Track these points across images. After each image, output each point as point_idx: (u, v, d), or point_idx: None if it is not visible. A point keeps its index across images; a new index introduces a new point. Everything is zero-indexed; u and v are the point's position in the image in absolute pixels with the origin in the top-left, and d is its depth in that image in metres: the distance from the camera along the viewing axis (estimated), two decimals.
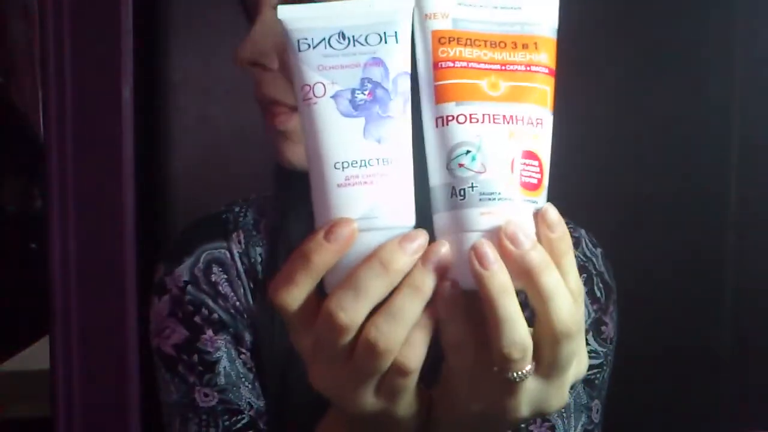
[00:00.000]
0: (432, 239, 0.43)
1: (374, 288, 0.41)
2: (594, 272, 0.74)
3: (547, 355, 0.43)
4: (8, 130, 1.36)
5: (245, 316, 0.71)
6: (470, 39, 0.44)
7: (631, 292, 0.87)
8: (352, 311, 0.41)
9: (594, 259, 0.76)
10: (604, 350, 0.74)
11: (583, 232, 0.77)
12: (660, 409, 1.29)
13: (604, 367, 0.74)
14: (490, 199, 0.42)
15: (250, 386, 0.69)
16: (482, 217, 0.41)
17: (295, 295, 0.42)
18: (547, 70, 0.44)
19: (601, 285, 0.75)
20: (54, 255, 1.02)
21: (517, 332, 0.41)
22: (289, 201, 0.70)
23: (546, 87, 0.44)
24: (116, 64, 0.97)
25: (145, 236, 1.05)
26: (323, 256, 0.41)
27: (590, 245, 0.77)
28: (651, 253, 1.28)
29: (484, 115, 0.42)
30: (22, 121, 1.36)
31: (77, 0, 0.97)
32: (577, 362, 0.45)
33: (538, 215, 0.42)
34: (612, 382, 0.77)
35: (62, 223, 1.01)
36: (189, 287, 0.70)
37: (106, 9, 0.97)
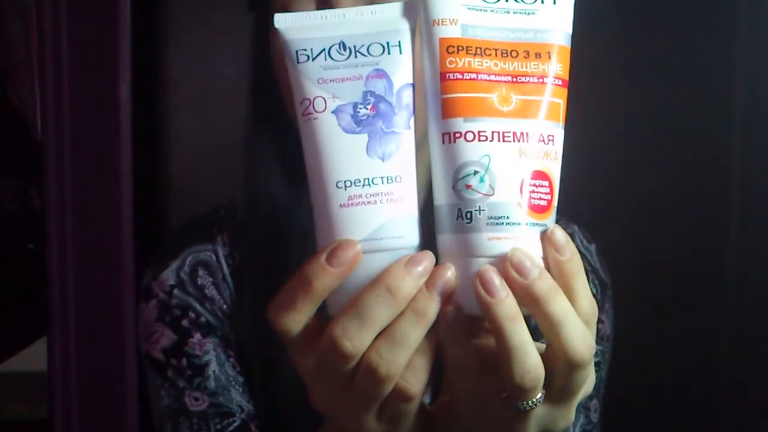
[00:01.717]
0: (435, 257, 0.42)
1: (380, 315, 0.40)
2: (588, 269, 0.73)
3: (559, 383, 0.42)
4: (5, 129, 1.36)
5: (232, 318, 0.70)
6: (480, 48, 0.42)
7: (629, 289, 0.86)
8: (356, 339, 0.40)
9: (588, 256, 0.75)
10: (601, 348, 0.74)
11: (576, 227, 0.76)
12: (659, 409, 1.29)
13: (602, 366, 0.73)
14: (498, 224, 0.40)
15: (240, 389, 0.68)
16: (489, 243, 0.40)
17: (296, 319, 0.41)
18: (560, 82, 0.42)
19: (596, 282, 0.75)
20: (51, 256, 1.01)
21: (529, 361, 0.40)
22: (257, 206, 0.69)
23: (559, 100, 0.42)
24: (114, 64, 0.96)
25: (143, 237, 1.05)
26: (325, 280, 0.40)
27: (584, 241, 0.77)
28: (650, 250, 1.28)
29: (493, 132, 0.41)
30: (20, 121, 1.36)
31: None
32: (587, 382, 0.44)
33: (545, 237, 0.41)
34: (610, 381, 0.76)
35: (60, 223, 1.00)
36: (175, 291, 0.70)
37: (104, 8, 0.96)
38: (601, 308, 0.73)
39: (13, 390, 1.36)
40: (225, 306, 0.70)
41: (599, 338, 0.73)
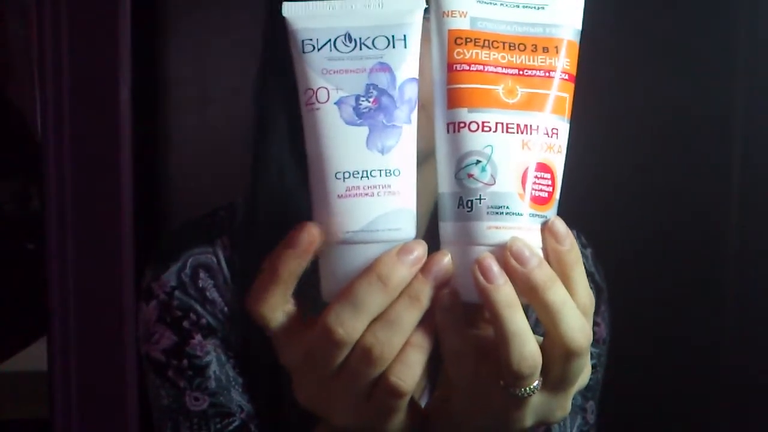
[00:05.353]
0: (438, 247, 0.42)
1: (373, 302, 0.40)
2: None
3: (556, 371, 0.42)
4: (5, 130, 1.36)
5: (232, 320, 0.70)
6: (488, 40, 0.42)
7: (626, 292, 0.86)
8: (350, 326, 0.40)
9: (584, 260, 0.76)
10: (597, 351, 0.74)
11: (574, 232, 0.76)
12: (655, 412, 1.29)
13: (598, 368, 0.74)
14: (498, 213, 0.40)
15: (240, 389, 0.68)
16: (489, 231, 0.40)
17: (270, 307, 0.42)
18: (567, 77, 0.42)
19: (592, 286, 0.75)
20: (51, 256, 1.01)
21: (527, 347, 0.40)
22: (259, 209, 0.69)
23: (565, 94, 0.42)
24: (114, 64, 0.97)
25: (142, 237, 1.05)
26: (288, 263, 0.40)
27: (580, 246, 0.77)
28: (647, 253, 1.28)
29: (497, 123, 0.41)
30: (20, 121, 1.36)
31: None
32: (583, 373, 0.44)
33: (545, 227, 0.41)
34: (607, 384, 0.76)
35: (59, 223, 1.00)
36: (176, 292, 0.70)
37: (104, 8, 0.96)
38: (597, 312, 0.73)
39: (13, 390, 1.36)
40: (226, 308, 0.70)
41: (595, 341, 0.73)
